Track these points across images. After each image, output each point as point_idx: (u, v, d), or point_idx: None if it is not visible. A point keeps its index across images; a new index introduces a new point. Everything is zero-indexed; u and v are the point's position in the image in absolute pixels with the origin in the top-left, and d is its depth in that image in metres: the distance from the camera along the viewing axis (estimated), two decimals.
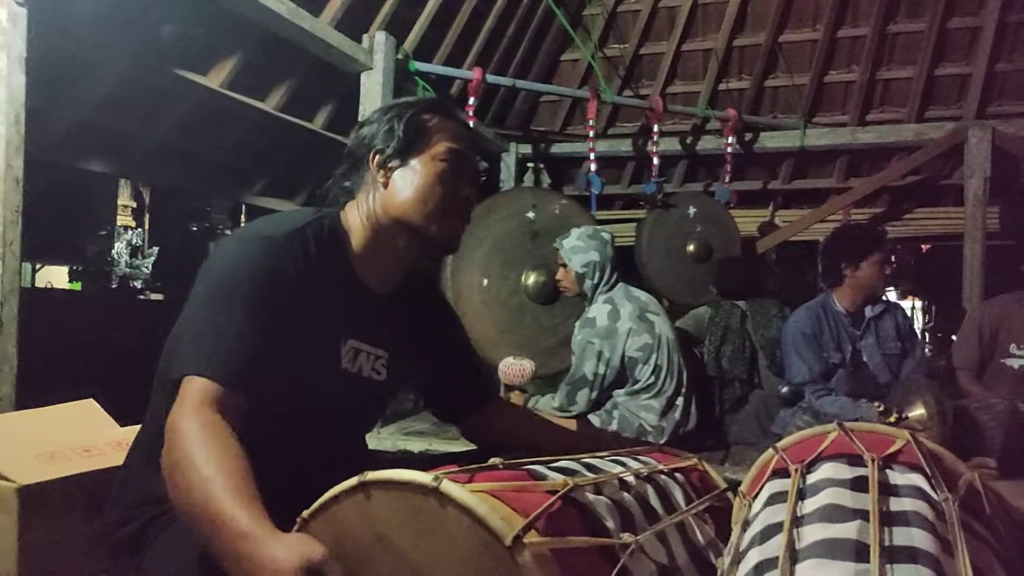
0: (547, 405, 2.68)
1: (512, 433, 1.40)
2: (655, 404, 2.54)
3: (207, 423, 0.92)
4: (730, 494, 1.22)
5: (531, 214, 3.16)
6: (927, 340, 7.60)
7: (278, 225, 1.12)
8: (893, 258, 2.78)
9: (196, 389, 0.95)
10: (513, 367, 2.74)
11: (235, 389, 0.97)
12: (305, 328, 1.09)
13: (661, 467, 1.11)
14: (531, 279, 3.13)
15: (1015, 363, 2.92)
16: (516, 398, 2.83)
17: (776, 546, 0.84)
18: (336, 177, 1.26)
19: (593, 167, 3.91)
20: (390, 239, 1.20)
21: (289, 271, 1.08)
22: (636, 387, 2.57)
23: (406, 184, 1.18)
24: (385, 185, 1.19)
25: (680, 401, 2.58)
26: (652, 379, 2.55)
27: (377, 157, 1.19)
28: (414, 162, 1.18)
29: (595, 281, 2.65)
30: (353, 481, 0.82)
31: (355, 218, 1.21)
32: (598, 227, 2.83)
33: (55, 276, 7.93)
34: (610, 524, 0.88)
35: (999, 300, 3.10)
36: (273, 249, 1.08)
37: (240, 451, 0.90)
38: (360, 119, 3.11)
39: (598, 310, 2.61)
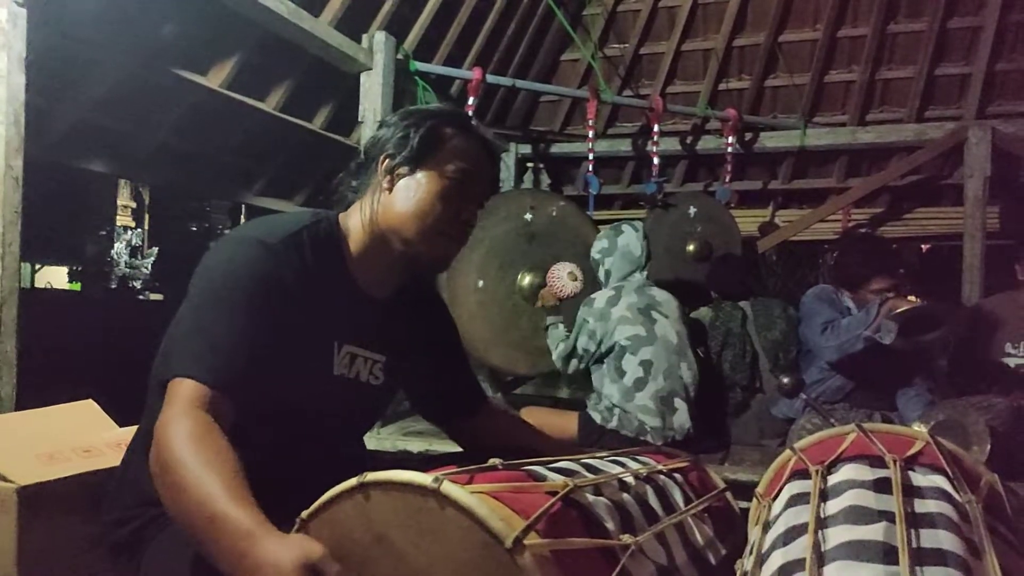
0: (556, 339, 2.81)
1: (501, 439, 1.39)
2: (651, 404, 2.53)
3: (197, 424, 0.91)
4: (728, 494, 1.23)
5: (528, 216, 3.16)
6: None
7: (274, 229, 1.11)
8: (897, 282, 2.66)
9: (185, 391, 0.95)
10: (563, 274, 2.82)
11: (224, 392, 0.97)
12: (299, 334, 1.09)
13: (660, 467, 1.12)
14: (526, 280, 3.14)
15: (1011, 362, 2.91)
16: (549, 293, 2.89)
17: (801, 548, 0.83)
18: (346, 175, 1.26)
19: (591, 167, 3.90)
20: (387, 245, 1.19)
21: (284, 277, 1.07)
22: (626, 381, 2.56)
23: (408, 194, 1.16)
24: (389, 190, 1.18)
25: (679, 403, 2.57)
26: (640, 372, 2.56)
27: (387, 161, 1.18)
28: (421, 174, 1.17)
29: (607, 268, 2.77)
30: (353, 482, 0.82)
31: (356, 220, 1.20)
32: (631, 222, 2.87)
33: (54, 276, 7.93)
34: (610, 525, 0.88)
35: (993, 300, 3.10)
36: (268, 254, 1.07)
37: (231, 452, 0.89)
38: (360, 119, 3.15)
39: (602, 294, 2.72)
